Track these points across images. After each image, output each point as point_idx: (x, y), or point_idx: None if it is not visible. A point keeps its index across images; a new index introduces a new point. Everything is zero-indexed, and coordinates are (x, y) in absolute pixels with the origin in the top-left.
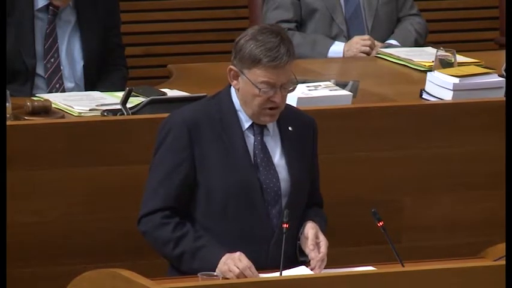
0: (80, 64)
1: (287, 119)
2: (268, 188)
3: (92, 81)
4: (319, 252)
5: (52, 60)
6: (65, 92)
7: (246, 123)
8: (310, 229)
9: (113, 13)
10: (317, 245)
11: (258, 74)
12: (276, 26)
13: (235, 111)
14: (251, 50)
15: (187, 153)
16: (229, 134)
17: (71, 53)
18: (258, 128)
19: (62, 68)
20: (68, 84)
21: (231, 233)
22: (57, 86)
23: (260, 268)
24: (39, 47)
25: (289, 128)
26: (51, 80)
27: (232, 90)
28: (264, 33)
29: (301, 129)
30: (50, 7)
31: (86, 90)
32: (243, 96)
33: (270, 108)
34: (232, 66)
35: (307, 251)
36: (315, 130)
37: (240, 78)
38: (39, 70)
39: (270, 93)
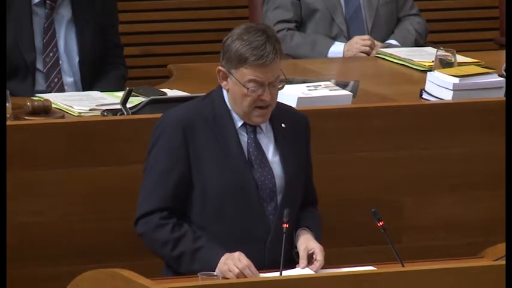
0: (76, 59)
1: (280, 116)
2: (264, 185)
3: (88, 77)
4: (313, 260)
5: (51, 54)
6: (64, 86)
7: (239, 122)
8: (300, 246)
9: (110, 12)
10: (310, 256)
11: (245, 73)
12: (262, 25)
13: (227, 110)
14: (237, 50)
15: (182, 153)
16: (223, 132)
17: (69, 48)
18: (251, 126)
19: (60, 62)
20: (67, 78)
21: (228, 232)
22: (56, 80)
23: (258, 267)
24: (38, 42)
25: (282, 125)
26: (50, 74)
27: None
28: (249, 32)
29: (294, 126)
30: (47, 1)
31: (82, 86)
32: (232, 96)
33: (260, 108)
34: (220, 67)
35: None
36: (307, 127)
37: (228, 79)
38: (39, 65)
39: (258, 91)
